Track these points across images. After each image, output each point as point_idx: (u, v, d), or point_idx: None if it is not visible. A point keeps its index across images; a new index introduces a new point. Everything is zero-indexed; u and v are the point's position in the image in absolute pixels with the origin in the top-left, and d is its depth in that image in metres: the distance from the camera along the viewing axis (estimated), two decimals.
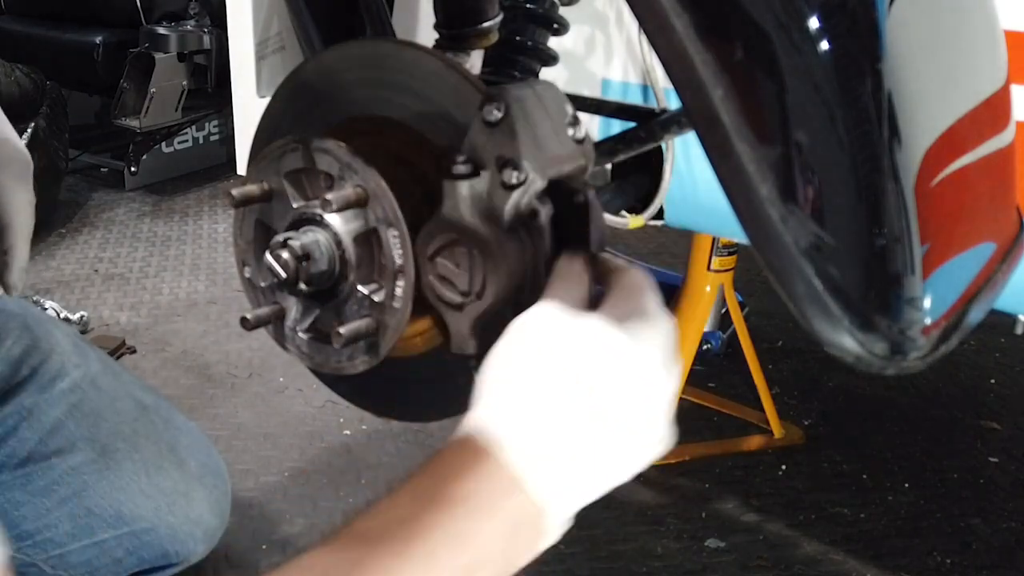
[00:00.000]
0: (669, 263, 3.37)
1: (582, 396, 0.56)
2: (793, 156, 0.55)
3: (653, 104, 1.48)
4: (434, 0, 0.81)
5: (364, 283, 0.69)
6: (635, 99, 1.52)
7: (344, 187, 0.67)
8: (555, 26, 0.99)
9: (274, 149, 0.71)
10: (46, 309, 2.82)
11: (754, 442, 2.41)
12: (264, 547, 1.96)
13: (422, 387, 0.80)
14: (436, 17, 0.81)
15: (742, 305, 2.63)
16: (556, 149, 0.67)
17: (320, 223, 0.69)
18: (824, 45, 0.54)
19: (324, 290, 0.70)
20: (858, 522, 2.13)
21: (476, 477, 0.53)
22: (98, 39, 3.92)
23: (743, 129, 0.54)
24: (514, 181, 0.64)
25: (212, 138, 4.37)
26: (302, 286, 0.69)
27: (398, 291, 0.68)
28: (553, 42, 1.00)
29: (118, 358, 2.69)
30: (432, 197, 0.67)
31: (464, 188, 0.64)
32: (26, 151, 1.12)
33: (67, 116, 3.77)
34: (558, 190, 0.68)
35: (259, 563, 1.91)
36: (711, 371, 2.70)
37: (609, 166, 1.51)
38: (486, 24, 0.80)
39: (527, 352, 0.58)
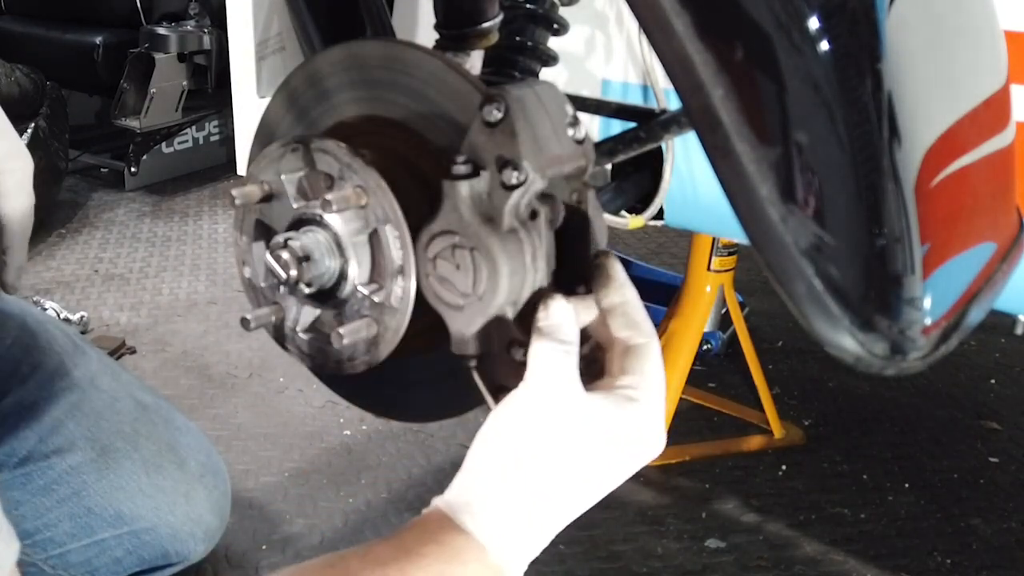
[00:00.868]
0: (669, 263, 3.37)
1: (552, 477, 0.63)
2: (793, 156, 0.55)
3: (653, 104, 1.48)
4: (434, 0, 0.81)
5: (364, 284, 0.69)
6: (635, 99, 1.52)
7: (344, 187, 0.67)
8: (555, 26, 0.99)
9: (274, 149, 0.71)
10: (46, 309, 2.82)
11: (754, 442, 2.41)
12: (264, 547, 1.96)
13: (422, 387, 0.80)
14: (436, 17, 0.81)
15: (742, 305, 2.63)
16: (556, 149, 0.67)
17: (320, 223, 0.69)
18: (824, 45, 0.54)
19: (324, 290, 0.70)
20: (858, 522, 2.13)
21: (442, 540, 0.60)
22: (98, 39, 3.93)
23: (743, 129, 0.54)
24: (514, 181, 0.64)
25: (212, 138, 4.37)
26: (302, 286, 0.69)
27: (398, 291, 0.68)
28: (553, 42, 1.00)
29: (118, 358, 2.69)
30: (432, 197, 0.67)
31: (464, 188, 0.64)
32: (27, 152, 1.12)
33: (67, 116, 3.77)
34: (558, 190, 0.68)
35: (259, 563, 1.91)
36: (711, 371, 2.70)
37: (609, 166, 1.51)
38: (486, 24, 0.80)
39: (505, 440, 0.64)
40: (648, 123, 1.04)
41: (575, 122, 0.69)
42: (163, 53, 3.87)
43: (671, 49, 0.54)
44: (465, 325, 0.67)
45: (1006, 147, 0.77)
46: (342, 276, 0.69)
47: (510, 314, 0.67)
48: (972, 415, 2.59)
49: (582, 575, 1.94)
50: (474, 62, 0.82)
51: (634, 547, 2.03)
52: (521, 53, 0.96)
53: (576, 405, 0.63)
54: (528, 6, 0.96)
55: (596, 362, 0.70)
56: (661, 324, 2.51)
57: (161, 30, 3.90)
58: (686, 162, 1.46)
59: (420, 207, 0.68)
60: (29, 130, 3.44)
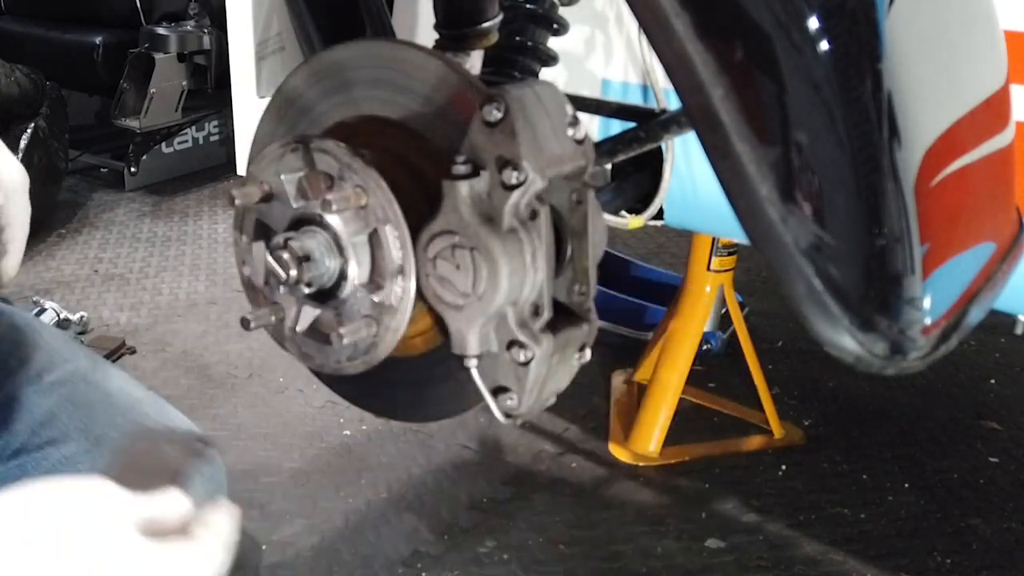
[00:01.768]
0: (669, 263, 3.38)
1: None
2: (793, 156, 0.55)
3: (653, 104, 1.48)
4: (434, 0, 0.81)
5: (364, 284, 0.69)
6: (635, 99, 1.52)
7: (344, 187, 0.67)
8: (555, 26, 0.99)
9: (274, 149, 0.71)
10: (46, 309, 2.82)
11: (754, 442, 2.42)
12: (264, 547, 1.96)
13: (422, 387, 0.80)
14: (436, 17, 0.81)
15: (742, 305, 2.63)
16: (556, 149, 0.67)
17: (320, 223, 0.68)
18: (824, 45, 0.54)
19: (324, 290, 0.70)
20: (858, 522, 2.13)
21: None
22: (98, 39, 3.93)
23: (743, 129, 0.54)
24: (514, 181, 0.64)
25: (212, 138, 4.38)
26: (302, 286, 0.69)
27: (398, 291, 0.68)
28: (553, 42, 1.00)
29: (118, 358, 2.69)
30: (432, 197, 0.67)
31: (464, 188, 0.64)
32: (22, 168, 1.16)
33: (67, 116, 3.77)
34: (558, 190, 0.68)
35: (259, 563, 1.91)
36: (711, 371, 2.70)
37: (609, 166, 1.51)
38: (486, 24, 0.80)
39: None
40: (648, 123, 1.04)
41: (575, 122, 0.69)
42: (163, 53, 3.87)
43: (671, 49, 0.54)
44: (465, 325, 0.67)
45: (1006, 147, 0.77)
46: (342, 276, 0.69)
47: (510, 314, 0.67)
48: (972, 415, 2.59)
49: (582, 575, 1.94)
50: (474, 62, 0.82)
51: (634, 547, 2.03)
52: (521, 53, 0.96)
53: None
54: (528, 6, 0.96)
55: None
56: (661, 324, 2.51)
57: (161, 30, 3.90)
58: (686, 162, 1.46)
59: (420, 207, 0.68)
60: (29, 130, 3.44)
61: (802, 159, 0.55)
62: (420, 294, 0.68)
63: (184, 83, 4.01)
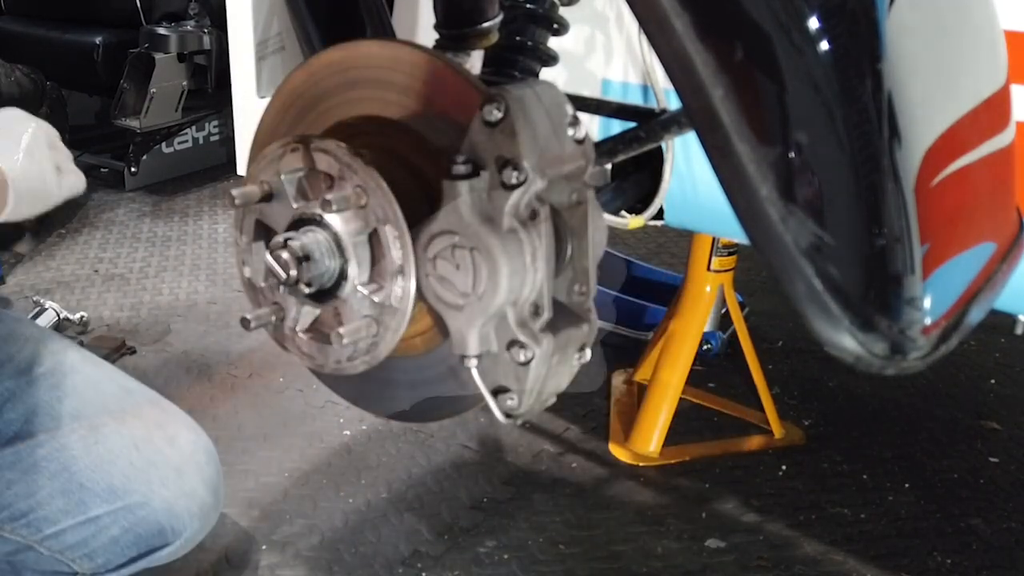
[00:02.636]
0: (669, 263, 3.38)
1: None
2: (793, 156, 0.55)
3: (653, 104, 1.48)
4: (434, 0, 0.81)
5: (364, 284, 0.69)
6: (635, 99, 1.52)
7: (344, 187, 0.67)
8: (555, 26, 0.99)
9: (274, 149, 0.71)
10: (46, 309, 2.82)
11: (754, 442, 2.42)
12: (264, 547, 1.96)
13: (422, 387, 0.80)
14: (436, 17, 0.81)
15: (742, 305, 2.63)
16: (556, 149, 0.67)
17: (320, 223, 0.69)
18: (824, 45, 0.54)
19: (324, 290, 0.70)
20: (858, 522, 2.13)
21: None
22: (98, 39, 3.93)
23: (743, 129, 0.54)
24: (514, 181, 0.64)
25: (212, 138, 4.38)
26: (302, 286, 0.69)
27: (398, 291, 0.68)
28: (553, 42, 1.00)
29: (118, 358, 2.69)
30: (432, 197, 0.67)
31: (464, 188, 0.64)
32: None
33: (67, 116, 3.77)
34: (558, 190, 0.68)
35: (259, 563, 1.91)
36: (711, 371, 2.70)
37: (609, 166, 1.51)
38: (486, 24, 0.80)
39: None
40: (648, 123, 1.04)
41: (575, 122, 0.69)
42: (163, 53, 3.87)
43: (671, 49, 0.54)
44: (465, 325, 0.67)
45: (1006, 147, 0.77)
46: (342, 276, 0.69)
47: (510, 314, 0.67)
48: (972, 415, 2.59)
49: (582, 575, 1.94)
50: (474, 62, 0.82)
51: (634, 547, 2.03)
52: (521, 53, 0.96)
53: None
54: (528, 6, 0.96)
55: None
56: (661, 324, 2.51)
57: (161, 30, 3.90)
58: (686, 162, 1.46)
59: (420, 207, 0.68)
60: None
61: (802, 159, 0.55)
62: (420, 294, 0.68)
63: (184, 83, 4.01)
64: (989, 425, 2.54)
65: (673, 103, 1.40)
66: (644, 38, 1.16)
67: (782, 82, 0.54)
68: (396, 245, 0.67)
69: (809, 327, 0.58)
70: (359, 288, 0.69)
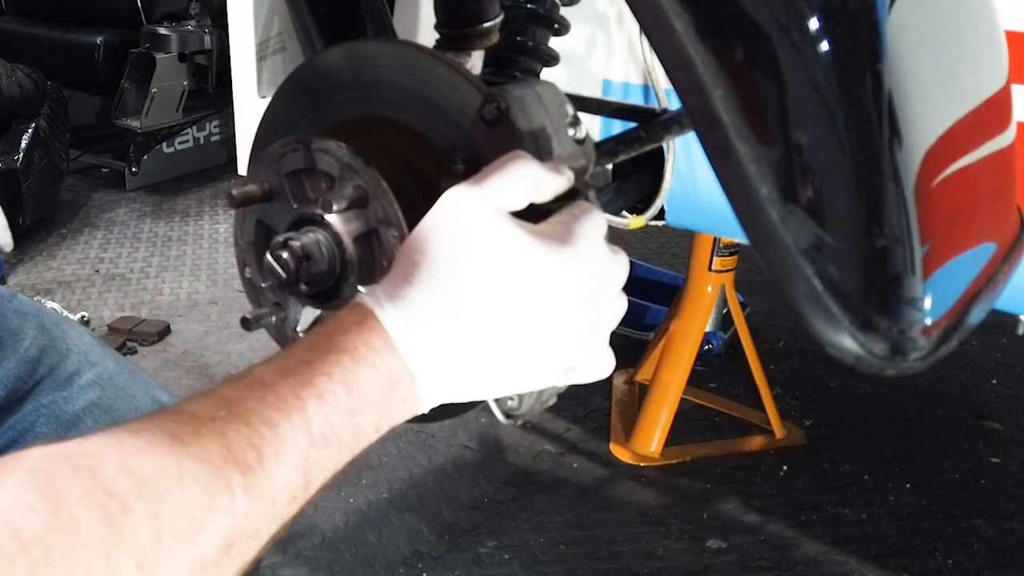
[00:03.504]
0: (670, 263, 3.37)
1: (470, 292, 0.59)
2: (793, 156, 0.55)
3: (654, 104, 1.48)
4: (435, 0, 0.81)
5: (365, 284, 0.69)
6: (636, 99, 1.52)
7: (344, 187, 0.67)
8: (556, 26, 0.99)
9: (275, 149, 0.71)
10: None
11: (755, 443, 2.41)
12: None
13: None
14: (437, 17, 0.81)
15: (743, 305, 2.63)
16: (557, 149, 0.67)
17: (320, 223, 0.68)
18: (824, 45, 0.54)
19: (325, 291, 0.70)
20: (860, 522, 2.13)
21: (359, 334, 0.58)
22: (99, 39, 3.93)
23: (743, 129, 0.54)
24: None
25: (213, 138, 4.38)
26: (303, 287, 0.69)
27: None
28: (554, 42, 1.00)
29: None
30: (433, 197, 0.67)
31: None
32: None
33: (68, 116, 3.77)
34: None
35: (259, 563, 1.91)
36: (712, 371, 2.70)
37: (610, 166, 1.51)
38: (487, 24, 0.80)
39: (435, 238, 0.60)
40: (649, 123, 1.04)
41: (576, 122, 0.69)
42: (164, 53, 3.87)
43: (671, 49, 0.54)
44: None
45: (1007, 147, 0.77)
46: (342, 276, 0.69)
47: None
48: (973, 415, 2.59)
49: (583, 575, 1.94)
50: (475, 62, 0.82)
51: (635, 547, 2.03)
52: (522, 53, 0.95)
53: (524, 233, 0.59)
54: (529, 6, 0.96)
55: None
56: (662, 324, 2.51)
57: (162, 30, 3.90)
58: (687, 162, 1.46)
59: (420, 207, 0.68)
60: (30, 130, 3.45)
61: (802, 159, 0.55)
62: None
63: (185, 83, 4.01)
64: (990, 425, 2.54)
65: (674, 103, 1.40)
66: (645, 38, 1.16)
67: (782, 82, 0.54)
68: (396, 245, 0.67)
69: (809, 328, 0.58)
70: (360, 289, 0.69)
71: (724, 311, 2.69)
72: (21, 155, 3.37)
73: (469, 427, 2.40)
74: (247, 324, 0.72)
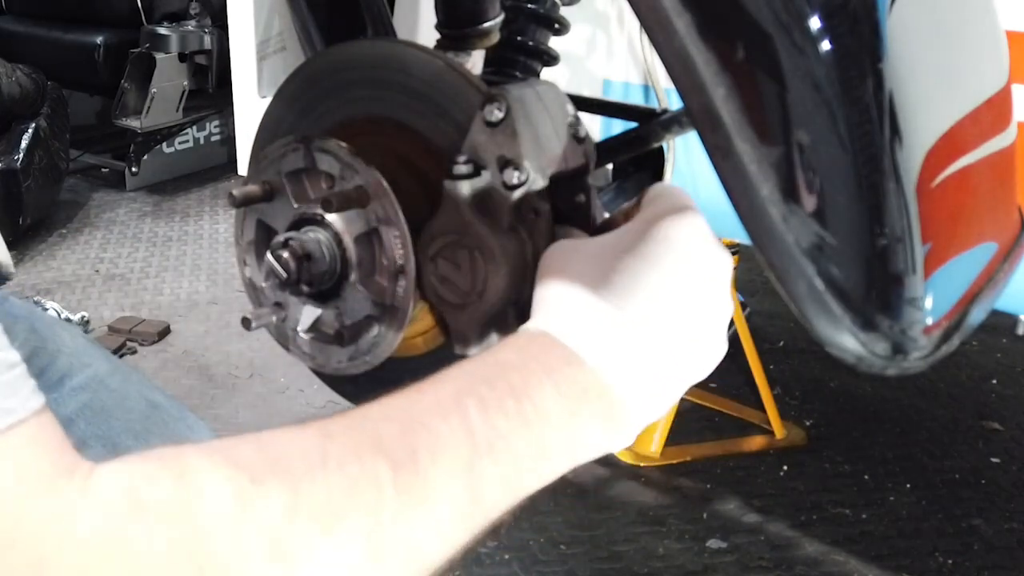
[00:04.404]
0: None
1: (663, 293, 0.56)
2: (794, 156, 0.55)
3: (654, 104, 1.48)
4: (435, 0, 0.81)
5: (365, 283, 0.69)
6: (636, 99, 1.52)
7: (345, 187, 0.67)
8: (556, 26, 0.99)
9: (275, 149, 0.71)
10: (47, 310, 2.82)
11: (756, 443, 2.41)
12: None
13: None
14: (437, 17, 0.81)
15: (744, 305, 2.63)
16: (557, 149, 0.67)
17: (321, 223, 0.68)
18: (825, 45, 0.54)
19: (325, 290, 0.70)
20: (860, 522, 2.13)
21: (529, 351, 0.54)
22: (99, 39, 3.93)
23: (744, 129, 0.54)
24: (515, 181, 0.64)
25: (213, 138, 4.38)
26: (303, 286, 0.69)
27: (399, 291, 0.68)
28: (554, 42, 1.00)
29: (119, 358, 2.69)
30: (433, 197, 0.67)
31: (465, 188, 0.64)
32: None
33: (68, 116, 3.77)
34: (559, 190, 0.68)
35: None
36: (713, 371, 2.70)
37: (610, 166, 1.51)
38: (487, 24, 0.80)
39: (572, 269, 0.58)
40: (649, 123, 1.04)
41: (576, 122, 0.69)
42: (164, 53, 3.87)
43: (672, 49, 0.53)
44: (466, 324, 0.67)
45: (1007, 147, 0.77)
46: (343, 276, 0.69)
47: (511, 313, 0.67)
48: (973, 415, 2.59)
49: (583, 575, 1.94)
50: (475, 62, 0.82)
51: (635, 547, 2.03)
52: (522, 53, 0.95)
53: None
54: (529, 6, 0.96)
55: None
56: None
57: (162, 30, 3.90)
58: (687, 162, 1.46)
59: (421, 207, 0.68)
60: (30, 130, 3.45)
61: (803, 159, 0.55)
62: (421, 294, 0.68)
63: (185, 83, 4.01)
64: (990, 425, 2.54)
65: (674, 103, 1.40)
66: (645, 38, 1.16)
67: (783, 82, 0.54)
68: (397, 245, 0.67)
69: (810, 327, 0.58)
70: (360, 288, 0.69)
71: None
72: (21, 155, 3.37)
73: None
74: (247, 324, 0.72)
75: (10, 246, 3.38)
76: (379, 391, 0.82)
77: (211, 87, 4.10)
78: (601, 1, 1.50)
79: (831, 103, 0.55)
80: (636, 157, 1.09)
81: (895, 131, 0.58)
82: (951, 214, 0.66)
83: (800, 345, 2.86)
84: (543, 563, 1.97)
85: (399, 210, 0.66)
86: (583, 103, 1.27)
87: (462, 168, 0.65)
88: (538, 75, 0.98)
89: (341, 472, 0.46)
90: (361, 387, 0.83)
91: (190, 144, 4.28)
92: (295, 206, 0.70)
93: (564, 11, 1.00)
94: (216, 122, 4.36)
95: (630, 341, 0.55)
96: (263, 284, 0.74)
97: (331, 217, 0.68)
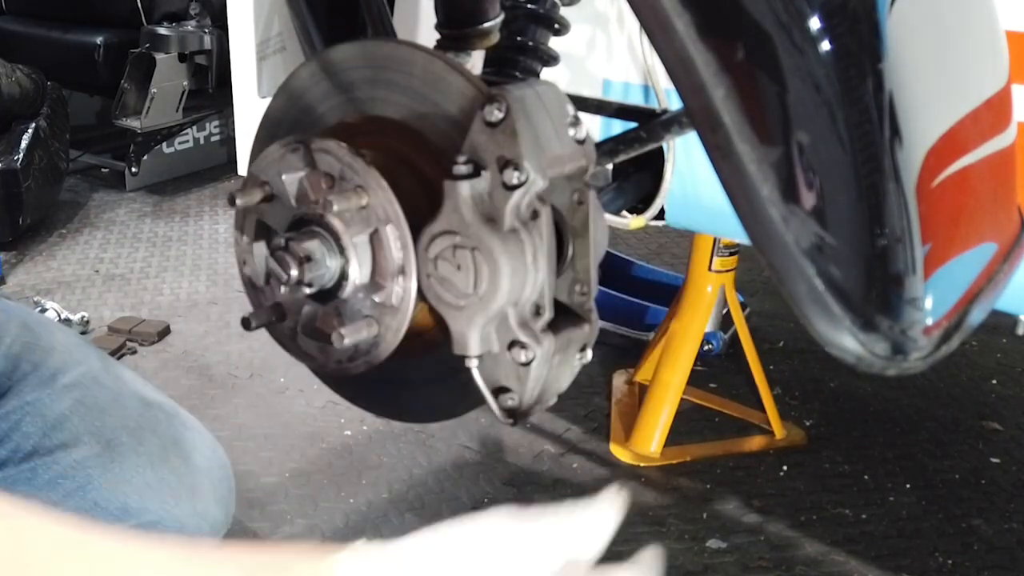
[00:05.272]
0: (670, 263, 3.37)
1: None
2: (794, 156, 0.55)
3: (654, 104, 1.48)
4: (435, 0, 0.81)
5: (365, 284, 0.69)
6: (636, 99, 1.52)
7: (345, 187, 0.67)
8: (556, 26, 0.99)
9: (275, 150, 0.71)
10: (46, 310, 2.82)
11: (755, 443, 2.41)
12: None
13: (423, 388, 0.80)
14: (437, 17, 0.81)
15: (743, 305, 2.63)
16: (557, 149, 0.67)
17: (321, 223, 0.68)
18: (825, 45, 0.54)
19: (325, 291, 0.70)
20: (860, 523, 2.13)
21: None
22: (99, 39, 3.93)
23: (744, 129, 0.54)
24: (515, 181, 0.64)
25: (213, 138, 4.37)
26: (303, 287, 0.69)
27: (399, 291, 0.68)
28: (554, 42, 1.00)
29: (118, 359, 2.69)
30: (433, 198, 0.67)
31: (465, 189, 0.64)
32: None
33: (68, 116, 3.77)
34: (559, 190, 0.68)
35: None
36: (712, 372, 2.70)
37: (610, 166, 1.51)
38: (487, 24, 0.80)
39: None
40: (649, 123, 1.04)
41: (576, 122, 0.69)
42: (164, 53, 3.87)
43: (672, 49, 0.54)
44: (466, 325, 0.67)
45: (1007, 147, 0.77)
46: (343, 276, 0.69)
47: (511, 314, 0.67)
48: (973, 415, 2.59)
49: None
50: (475, 62, 0.82)
51: (635, 547, 2.02)
52: (522, 53, 0.96)
53: None
54: (529, 6, 0.96)
55: None
56: (662, 324, 2.51)
57: (162, 30, 3.90)
58: (687, 162, 1.46)
59: (421, 207, 0.68)
60: (30, 130, 3.44)
61: (803, 159, 0.55)
62: (421, 294, 0.68)
63: (185, 83, 4.01)
64: (990, 426, 2.54)
65: (674, 103, 1.40)
66: (645, 38, 1.16)
67: (783, 82, 0.54)
68: (397, 245, 0.67)
69: (810, 327, 0.58)
70: (360, 288, 0.69)
71: (724, 311, 2.69)
72: (21, 155, 3.37)
73: (469, 427, 2.40)
74: (247, 324, 0.72)
75: (10, 246, 3.38)
76: (379, 392, 0.82)
77: (211, 87, 4.10)
78: (601, 1, 1.49)
79: (831, 103, 0.55)
80: (636, 157, 1.09)
81: (895, 131, 0.58)
82: (951, 214, 0.66)
83: (800, 345, 2.86)
84: None
85: (399, 210, 0.66)
86: (583, 103, 1.27)
87: (462, 168, 0.65)
88: (538, 75, 0.98)
89: None
90: (361, 388, 0.83)
91: (190, 144, 4.28)
92: (295, 206, 0.70)
93: (564, 11, 1.00)
94: (216, 122, 4.36)
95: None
96: (263, 284, 0.74)
97: (331, 217, 0.68)
